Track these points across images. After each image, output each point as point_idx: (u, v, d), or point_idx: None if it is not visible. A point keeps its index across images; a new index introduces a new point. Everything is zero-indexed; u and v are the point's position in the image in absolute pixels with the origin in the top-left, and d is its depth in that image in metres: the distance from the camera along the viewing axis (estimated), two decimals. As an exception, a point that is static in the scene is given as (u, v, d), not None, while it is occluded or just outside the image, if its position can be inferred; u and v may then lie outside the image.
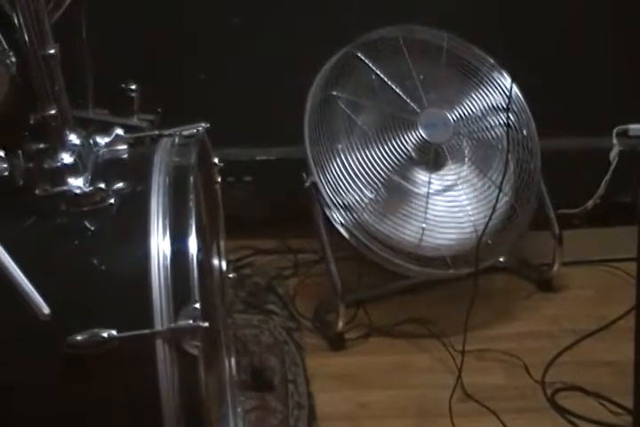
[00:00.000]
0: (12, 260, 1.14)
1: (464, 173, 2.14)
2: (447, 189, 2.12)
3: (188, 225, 1.24)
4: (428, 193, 2.09)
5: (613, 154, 2.42)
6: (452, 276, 2.12)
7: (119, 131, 1.41)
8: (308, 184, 2.07)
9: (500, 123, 2.16)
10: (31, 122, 1.30)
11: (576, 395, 1.96)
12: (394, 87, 2.12)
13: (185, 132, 1.46)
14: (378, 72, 2.12)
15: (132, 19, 2.23)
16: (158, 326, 1.18)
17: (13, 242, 1.16)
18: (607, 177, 2.42)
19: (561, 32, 2.32)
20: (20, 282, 1.13)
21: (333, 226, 2.07)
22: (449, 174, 2.13)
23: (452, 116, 2.13)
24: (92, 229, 1.26)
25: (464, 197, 2.12)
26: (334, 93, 2.09)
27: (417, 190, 2.10)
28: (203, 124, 1.47)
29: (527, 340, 2.12)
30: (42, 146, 1.31)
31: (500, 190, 2.08)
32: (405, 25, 2.16)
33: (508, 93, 2.13)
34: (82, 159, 1.33)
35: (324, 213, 2.07)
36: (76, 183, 1.30)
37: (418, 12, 2.25)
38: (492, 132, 2.16)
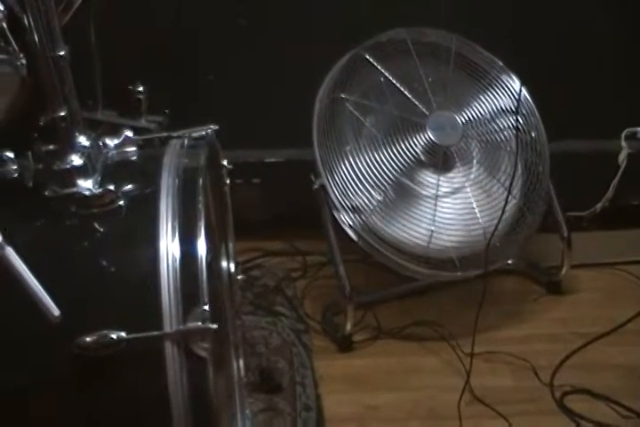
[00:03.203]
0: (22, 261, 1.14)
1: (473, 176, 2.14)
2: (456, 191, 2.12)
3: (197, 227, 1.24)
4: (437, 195, 2.09)
5: (622, 156, 2.42)
6: (460, 278, 2.11)
7: (128, 132, 1.42)
8: (316, 186, 2.07)
9: (508, 125, 2.15)
10: (41, 123, 1.31)
11: (584, 398, 1.95)
12: (402, 89, 2.12)
13: (194, 134, 1.46)
14: (386, 74, 2.11)
15: (140, 20, 2.23)
16: (167, 328, 1.18)
17: (23, 243, 1.16)
18: (616, 180, 2.42)
19: (570, 35, 2.32)
20: (29, 284, 1.13)
21: (342, 228, 2.06)
22: (457, 177, 2.13)
23: (460, 119, 2.13)
24: (102, 230, 1.27)
25: (472, 199, 2.12)
26: (343, 96, 2.09)
27: (425, 193, 2.09)
28: (212, 126, 1.48)
29: (536, 342, 2.12)
30: (51, 147, 1.32)
31: (509, 193, 2.08)
32: (414, 27, 2.15)
33: (516, 96, 2.13)
34: (91, 161, 1.33)
35: (333, 216, 2.07)
36: (86, 185, 1.30)
37: (426, 14, 2.25)
38: (501, 135, 2.16)
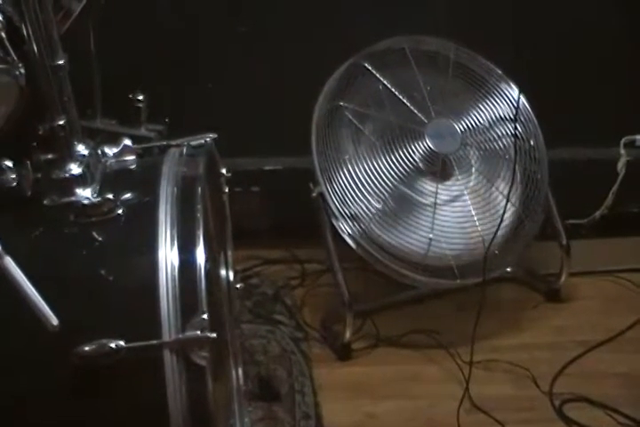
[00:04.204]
0: (21, 270, 1.14)
1: (471, 184, 2.14)
2: (454, 199, 2.12)
3: (195, 235, 1.24)
4: (436, 203, 2.09)
5: (621, 164, 2.42)
6: (459, 286, 2.11)
7: (127, 141, 1.42)
8: (315, 194, 2.07)
9: (507, 133, 2.16)
10: (40, 132, 1.31)
11: (584, 406, 1.95)
12: (401, 98, 2.12)
13: (193, 143, 1.46)
14: (385, 82, 2.12)
15: (139, 29, 2.23)
16: (166, 337, 1.18)
17: (22, 252, 1.16)
18: (615, 187, 2.42)
19: (568, 43, 2.32)
20: (28, 293, 1.13)
21: (340, 236, 2.06)
22: (456, 185, 2.13)
23: (459, 127, 2.13)
24: (100, 239, 1.27)
25: (471, 207, 2.12)
26: (341, 104, 2.09)
27: (424, 201, 2.09)
28: (210, 135, 1.48)
29: (535, 350, 2.12)
30: (50, 156, 1.32)
31: (508, 201, 2.08)
32: (412, 35, 2.16)
33: (515, 104, 2.13)
34: (90, 170, 1.33)
35: (332, 224, 2.07)
36: (85, 194, 1.31)
37: (425, 23, 2.25)
38: (500, 143, 2.16)
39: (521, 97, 2.14)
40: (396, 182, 2.07)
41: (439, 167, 2.10)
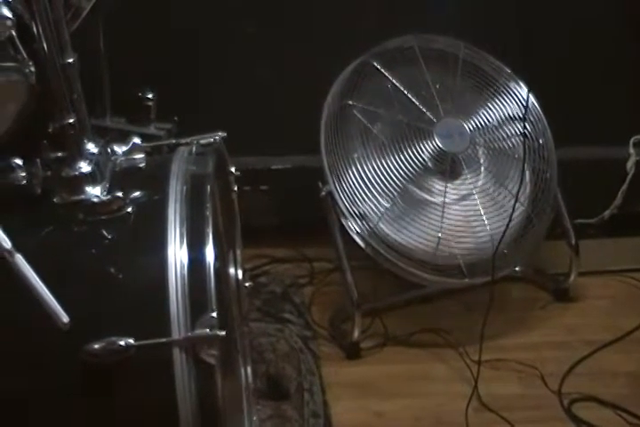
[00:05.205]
0: (31, 268, 1.14)
1: (480, 183, 2.14)
2: (463, 198, 2.12)
3: (204, 234, 1.24)
4: (444, 202, 2.09)
5: (630, 164, 2.42)
6: (467, 285, 2.11)
7: (136, 139, 1.42)
8: (323, 193, 2.07)
9: (516, 132, 2.15)
10: (50, 130, 1.31)
11: (593, 405, 1.95)
12: (410, 96, 2.12)
13: (202, 141, 1.46)
14: (394, 81, 2.12)
15: (149, 28, 2.23)
16: (175, 335, 1.18)
17: (32, 250, 1.17)
18: (624, 187, 2.42)
19: (577, 42, 2.32)
20: (38, 290, 1.13)
21: (349, 235, 2.06)
22: (465, 184, 2.13)
23: (468, 126, 2.13)
24: (110, 237, 1.27)
25: (480, 206, 2.12)
26: (350, 103, 2.09)
27: (433, 200, 2.09)
28: (220, 133, 1.48)
29: (543, 350, 2.12)
30: (60, 154, 1.32)
31: (517, 200, 2.07)
32: (421, 34, 2.16)
33: (524, 103, 2.13)
34: (100, 168, 1.33)
35: (340, 222, 2.07)
36: (94, 192, 1.31)
37: (434, 22, 2.25)
38: (509, 142, 2.16)
39: (530, 96, 2.13)
40: (404, 181, 2.07)
41: (448, 166, 2.10)
